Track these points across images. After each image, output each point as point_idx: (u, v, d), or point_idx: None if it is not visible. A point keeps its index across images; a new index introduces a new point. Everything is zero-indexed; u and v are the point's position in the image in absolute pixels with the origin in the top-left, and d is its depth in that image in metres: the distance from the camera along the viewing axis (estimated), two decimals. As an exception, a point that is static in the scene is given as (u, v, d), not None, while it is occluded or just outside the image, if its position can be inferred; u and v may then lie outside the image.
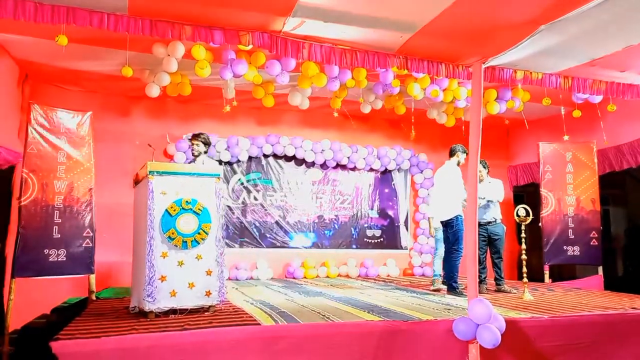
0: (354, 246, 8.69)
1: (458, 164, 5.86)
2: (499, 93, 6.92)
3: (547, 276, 7.45)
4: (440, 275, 6.34)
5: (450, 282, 5.70)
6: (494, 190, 6.11)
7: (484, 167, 6.10)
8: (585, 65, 5.54)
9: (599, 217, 7.32)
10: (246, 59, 5.61)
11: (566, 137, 7.04)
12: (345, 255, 8.51)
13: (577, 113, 6.64)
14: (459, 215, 5.61)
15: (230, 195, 8.08)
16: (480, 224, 5.92)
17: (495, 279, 6.05)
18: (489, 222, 6.02)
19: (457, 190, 5.69)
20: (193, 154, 5.46)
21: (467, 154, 5.78)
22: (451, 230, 5.66)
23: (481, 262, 5.93)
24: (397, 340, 3.81)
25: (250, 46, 5.01)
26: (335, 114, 7.30)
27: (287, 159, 8.41)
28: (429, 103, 7.30)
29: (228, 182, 8.06)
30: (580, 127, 7.40)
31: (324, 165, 8.57)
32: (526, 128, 7.84)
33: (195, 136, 5.50)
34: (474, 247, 4.08)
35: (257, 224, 8.18)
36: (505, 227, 6.17)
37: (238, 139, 7.86)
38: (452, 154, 5.92)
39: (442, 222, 5.82)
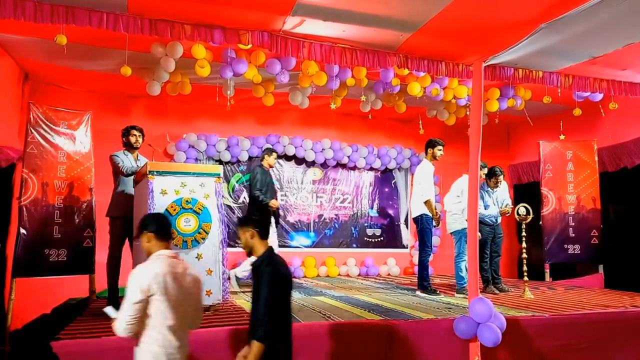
0: (354, 245, 8.69)
1: (434, 158, 5.84)
2: (501, 89, 6.90)
3: (547, 275, 7.45)
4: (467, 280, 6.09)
5: (422, 281, 5.70)
6: (507, 192, 6.16)
7: (501, 172, 6.09)
8: (586, 63, 5.54)
9: (600, 216, 7.31)
10: (246, 58, 5.60)
11: (562, 137, 7.05)
12: (346, 254, 8.50)
13: (577, 111, 6.64)
14: (424, 214, 5.65)
15: (231, 195, 8.08)
16: (490, 225, 5.92)
17: (494, 278, 6.04)
18: (497, 223, 6.03)
19: (421, 189, 5.68)
20: (135, 146, 4.88)
21: (442, 145, 5.85)
22: (418, 228, 5.77)
23: (486, 262, 5.90)
24: (398, 339, 3.81)
25: (250, 45, 5.01)
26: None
27: (287, 158, 8.40)
28: (427, 101, 7.29)
29: (228, 182, 8.06)
30: (581, 125, 7.40)
31: (324, 165, 8.56)
32: (529, 126, 7.84)
33: (140, 129, 4.98)
34: (474, 247, 4.08)
35: (258, 224, 8.16)
36: None
37: (238, 138, 7.86)
38: (425, 150, 5.91)
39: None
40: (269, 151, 6.14)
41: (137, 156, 4.92)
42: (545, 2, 4.20)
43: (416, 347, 3.83)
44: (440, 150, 5.84)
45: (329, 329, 3.76)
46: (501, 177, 6.03)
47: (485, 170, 5.96)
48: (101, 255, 5.51)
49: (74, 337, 3.37)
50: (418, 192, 5.74)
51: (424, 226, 5.69)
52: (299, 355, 3.61)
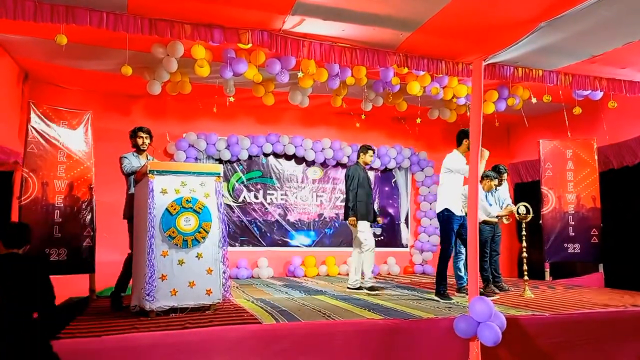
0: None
1: (469, 150, 5.08)
2: (498, 90, 6.90)
3: (547, 274, 7.45)
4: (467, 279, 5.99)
5: (438, 285, 5.13)
6: (507, 191, 6.19)
7: (505, 170, 6.05)
8: (586, 62, 5.53)
9: (600, 215, 7.31)
10: (246, 58, 5.60)
11: (569, 134, 7.04)
12: (346, 253, 8.45)
13: (577, 110, 6.63)
14: (446, 210, 5.11)
15: (231, 194, 8.08)
16: (490, 224, 5.90)
17: (494, 277, 6.04)
18: (496, 222, 6.02)
19: (453, 182, 5.15)
20: (142, 148, 4.82)
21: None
22: (440, 225, 5.34)
23: (486, 261, 5.87)
24: (398, 338, 3.81)
25: (250, 44, 5.01)
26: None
27: (288, 157, 8.40)
28: (427, 100, 7.28)
29: (228, 181, 8.07)
30: (581, 124, 7.39)
31: (324, 164, 8.57)
32: (529, 124, 7.83)
33: (147, 130, 4.90)
34: (474, 247, 4.08)
35: (258, 223, 8.18)
36: None
37: (238, 137, 7.86)
38: (459, 141, 5.29)
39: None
40: (365, 149, 5.92)
41: (147, 157, 4.88)
42: (545, 1, 4.19)
43: (416, 346, 3.83)
44: None
45: (329, 328, 3.76)
46: (505, 176, 6.07)
47: (496, 182, 5.93)
48: (101, 255, 5.52)
49: (74, 336, 3.37)
50: (446, 182, 5.18)
51: (443, 222, 5.18)
52: (300, 354, 3.62)
